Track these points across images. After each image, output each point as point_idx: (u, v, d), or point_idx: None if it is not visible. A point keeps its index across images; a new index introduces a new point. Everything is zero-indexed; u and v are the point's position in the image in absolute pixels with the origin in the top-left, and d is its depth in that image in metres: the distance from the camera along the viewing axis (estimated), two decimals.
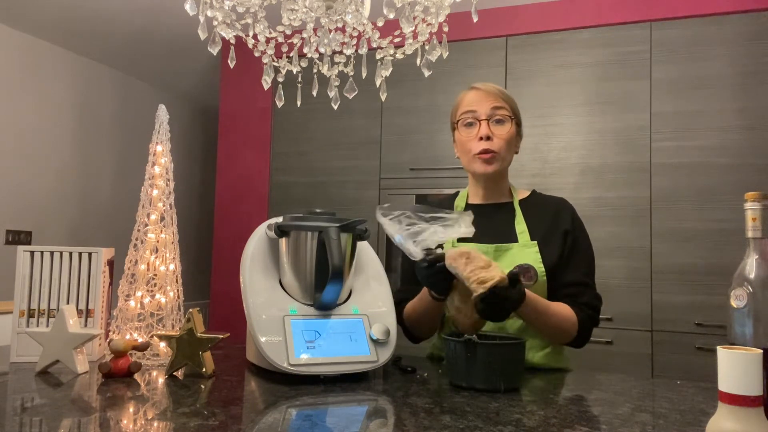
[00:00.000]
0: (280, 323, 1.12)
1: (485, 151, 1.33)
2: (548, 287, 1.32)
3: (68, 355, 1.11)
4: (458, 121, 1.38)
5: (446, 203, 1.49)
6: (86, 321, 1.27)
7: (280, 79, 1.41)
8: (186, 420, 0.82)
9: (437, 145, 3.02)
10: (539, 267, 1.30)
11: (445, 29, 1.32)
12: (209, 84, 4.41)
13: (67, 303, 1.26)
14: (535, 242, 1.33)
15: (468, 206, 1.44)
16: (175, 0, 3.09)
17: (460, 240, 1.36)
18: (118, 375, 1.08)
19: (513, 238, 1.35)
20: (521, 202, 1.41)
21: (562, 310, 1.28)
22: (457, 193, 1.50)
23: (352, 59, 1.42)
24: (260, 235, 1.27)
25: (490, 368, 1.05)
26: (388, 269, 2.96)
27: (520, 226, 1.36)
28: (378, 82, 1.36)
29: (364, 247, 1.33)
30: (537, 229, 1.35)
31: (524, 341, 1.11)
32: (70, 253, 1.27)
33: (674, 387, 1.13)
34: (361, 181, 3.15)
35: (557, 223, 1.36)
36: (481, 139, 1.33)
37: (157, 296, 1.27)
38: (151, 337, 1.24)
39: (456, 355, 1.08)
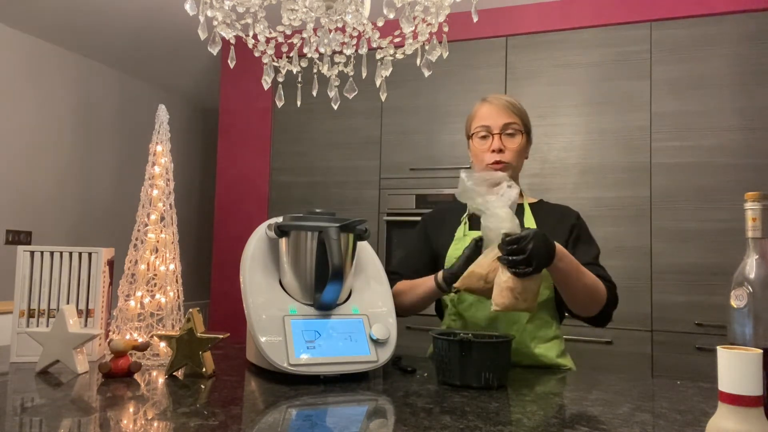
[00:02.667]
0: (280, 323, 1.12)
1: (497, 163, 1.40)
2: None
3: (68, 355, 1.10)
4: (473, 134, 1.45)
5: (458, 204, 1.51)
6: (86, 321, 1.27)
7: (280, 79, 1.41)
8: (186, 420, 0.82)
9: (437, 145, 3.02)
10: None
11: (445, 29, 1.32)
12: (209, 84, 4.41)
13: (67, 303, 1.25)
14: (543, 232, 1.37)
15: None
16: (175, 0, 3.09)
17: (472, 228, 1.44)
18: (118, 375, 1.08)
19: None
20: (530, 205, 1.49)
21: (594, 277, 1.28)
22: None
23: (352, 59, 1.42)
24: (260, 235, 1.27)
25: (485, 366, 1.07)
26: (388, 269, 2.96)
27: (529, 221, 1.43)
28: (378, 82, 1.36)
29: (364, 247, 1.34)
30: (545, 224, 1.42)
31: (512, 338, 1.14)
32: (70, 253, 1.27)
33: (674, 387, 1.13)
34: (361, 181, 3.15)
35: (564, 220, 1.44)
36: (493, 151, 1.40)
37: (157, 296, 1.27)
38: (151, 337, 1.24)
39: (449, 354, 1.09)
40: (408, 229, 2.98)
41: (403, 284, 1.44)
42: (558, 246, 1.19)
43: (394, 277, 1.47)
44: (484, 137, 1.42)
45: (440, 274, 1.32)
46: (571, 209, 1.48)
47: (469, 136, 1.47)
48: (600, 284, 1.30)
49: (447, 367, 1.09)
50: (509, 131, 1.40)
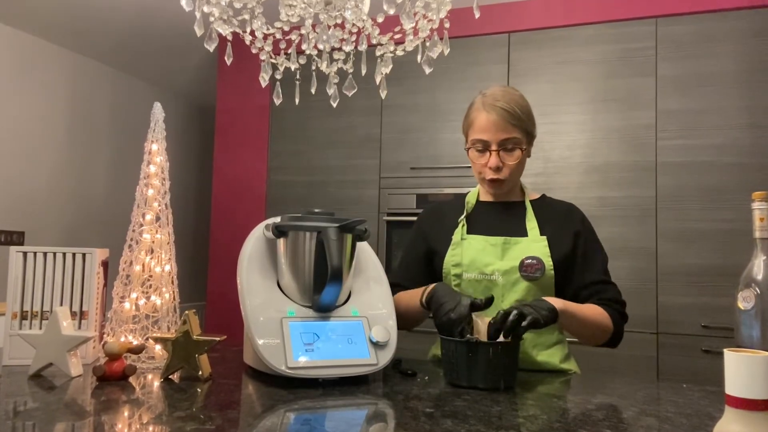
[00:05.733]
0: (278, 325, 1.11)
1: (494, 180, 1.39)
2: (556, 282, 1.36)
3: (62, 358, 1.09)
4: (470, 148, 1.41)
5: (458, 200, 1.52)
6: (80, 323, 1.25)
7: (278, 77, 1.40)
8: (182, 424, 0.81)
9: (438, 143, 3.00)
10: (547, 261, 1.33)
11: (446, 25, 1.31)
12: (206, 81, 4.40)
13: (61, 305, 1.24)
14: (545, 237, 1.37)
15: (479, 203, 1.48)
16: None
17: (470, 232, 1.41)
18: (113, 378, 1.07)
19: (523, 233, 1.39)
20: (532, 202, 1.46)
21: (596, 311, 1.31)
22: (468, 192, 1.54)
23: (351, 56, 1.41)
24: (258, 235, 1.25)
25: (491, 368, 1.06)
26: (388, 270, 2.94)
27: (531, 222, 1.40)
28: (378, 80, 1.35)
29: (364, 248, 1.33)
30: (547, 226, 1.39)
31: (520, 340, 1.13)
32: (64, 254, 1.26)
33: (680, 390, 1.12)
34: (361, 180, 3.13)
35: (567, 223, 1.40)
36: (490, 168, 1.38)
37: (153, 298, 1.26)
38: (147, 339, 1.23)
39: (456, 355, 1.09)
40: (408, 229, 2.96)
41: (397, 298, 1.40)
42: (559, 308, 1.19)
43: (394, 289, 1.44)
44: (481, 151, 1.38)
45: (425, 294, 1.28)
46: (575, 208, 1.45)
47: (467, 147, 1.44)
48: (604, 319, 1.30)
49: (454, 368, 1.09)
50: (508, 146, 1.36)
